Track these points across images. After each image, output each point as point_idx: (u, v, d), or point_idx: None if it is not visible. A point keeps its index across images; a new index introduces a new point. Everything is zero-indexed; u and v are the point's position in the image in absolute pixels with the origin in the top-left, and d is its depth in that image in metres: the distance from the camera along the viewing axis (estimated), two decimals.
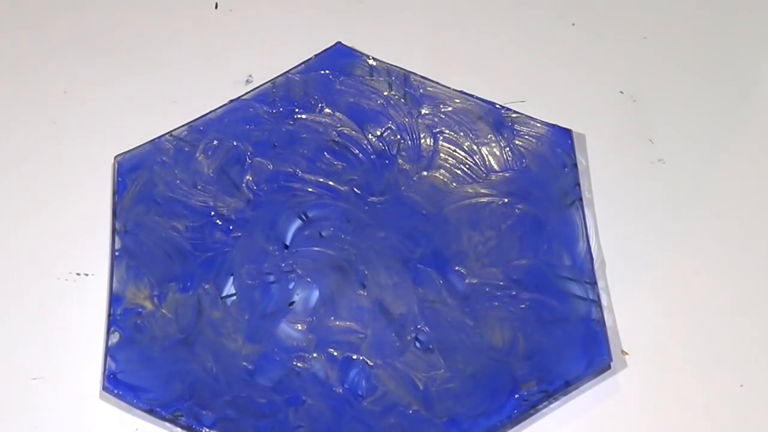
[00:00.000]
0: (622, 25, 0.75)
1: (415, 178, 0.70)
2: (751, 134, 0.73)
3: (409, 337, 0.65)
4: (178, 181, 0.69)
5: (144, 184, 0.68)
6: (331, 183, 0.70)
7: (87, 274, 0.67)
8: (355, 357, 0.64)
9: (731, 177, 0.71)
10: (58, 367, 0.64)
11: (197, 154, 0.69)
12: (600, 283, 0.66)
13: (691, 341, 0.66)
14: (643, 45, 0.76)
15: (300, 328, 0.65)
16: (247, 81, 0.73)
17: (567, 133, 0.70)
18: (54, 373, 0.64)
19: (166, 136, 0.69)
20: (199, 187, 0.69)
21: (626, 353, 0.65)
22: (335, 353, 0.64)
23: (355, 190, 0.69)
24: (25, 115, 0.72)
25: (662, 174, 0.71)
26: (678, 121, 0.73)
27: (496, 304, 0.66)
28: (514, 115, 0.71)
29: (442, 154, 0.71)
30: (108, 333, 0.64)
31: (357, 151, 0.71)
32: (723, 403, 0.64)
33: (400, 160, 0.71)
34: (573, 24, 0.75)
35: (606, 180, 0.71)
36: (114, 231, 0.67)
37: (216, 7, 0.77)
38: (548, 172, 0.69)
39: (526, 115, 0.71)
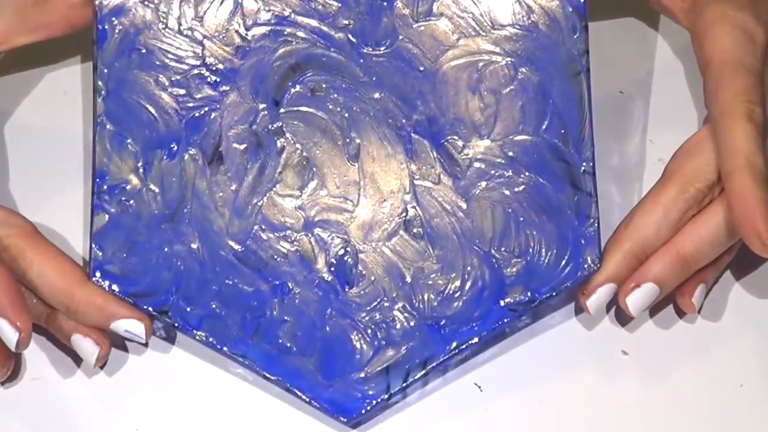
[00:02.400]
0: (622, 25, 0.73)
1: (414, 26, 0.66)
2: None
3: (399, 219, 0.64)
4: (162, 26, 0.64)
5: (126, 32, 0.64)
6: (324, 28, 0.65)
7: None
8: (343, 238, 0.63)
9: None
10: (58, 367, 0.63)
11: None
12: None
13: (687, 336, 0.66)
14: (643, 45, 0.73)
15: (289, 201, 0.64)
16: None
17: None
18: (54, 373, 0.63)
19: None
20: (185, 33, 0.64)
21: (626, 353, 0.65)
22: (323, 234, 0.63)
23: (350, 38, 0.65)
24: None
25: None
26: (678, 121, 0.70)
27: (491, 185, 0.64)
28: None
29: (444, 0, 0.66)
30: (93, 215, 0.62)
31: None
32: (723, 403, 0.64)
33: (399, 3, 0.66)
34: None
35: (605, 179, 0.68)
36: (95, 91, 0.63)
37: None
38: (556, 34, 0.65)
39: None
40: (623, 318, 0.65)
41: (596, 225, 0.63)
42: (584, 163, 0.64)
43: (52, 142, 0.69)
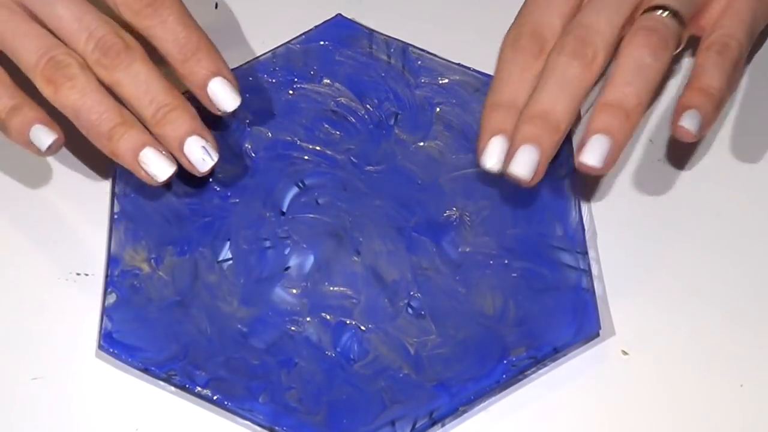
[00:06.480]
0: None
1: (411, 149, 0.71)
2: (749, 129, 0.73)
3: (401, 303, 0.66)
4: None
5: None
6: (328, 152, 0.71)
7: (87, 274, 0.67)
8: (347, 322, 0.65)
9: (731, 173, 0.72)
10: (58, 367, 0.64)
11: None
12: (591, 254, 0.67)
13: (687, 336, 0.66)
14: None
15: (294, 292, 0.66)
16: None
17: None
18: (54, 373, 0.64)
19: None
20: None
21: (627, 353, 0.66)
22: (328, 317, 0.65)
23: (352, 159, 0.70)
24: None
25: (662, 173, 0.71)
26: None
27: (488, 272, 0.67)
28: None
29: (438, 126, 0.72)
30: (105, 294, 0.65)
31: (355, 121, 0.72)
32: (723, 403, 0.64)
33: (397, 131, 0.72)
34: None
35: (606, 179, 0.71)
36: (113, 195, 0.68)
37: (216, 7, 0.77)
38: None
39: None
40: (623, 318, 0.66)
41: (592, 293, 0.65)
42: (578, 247, 0.67)
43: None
